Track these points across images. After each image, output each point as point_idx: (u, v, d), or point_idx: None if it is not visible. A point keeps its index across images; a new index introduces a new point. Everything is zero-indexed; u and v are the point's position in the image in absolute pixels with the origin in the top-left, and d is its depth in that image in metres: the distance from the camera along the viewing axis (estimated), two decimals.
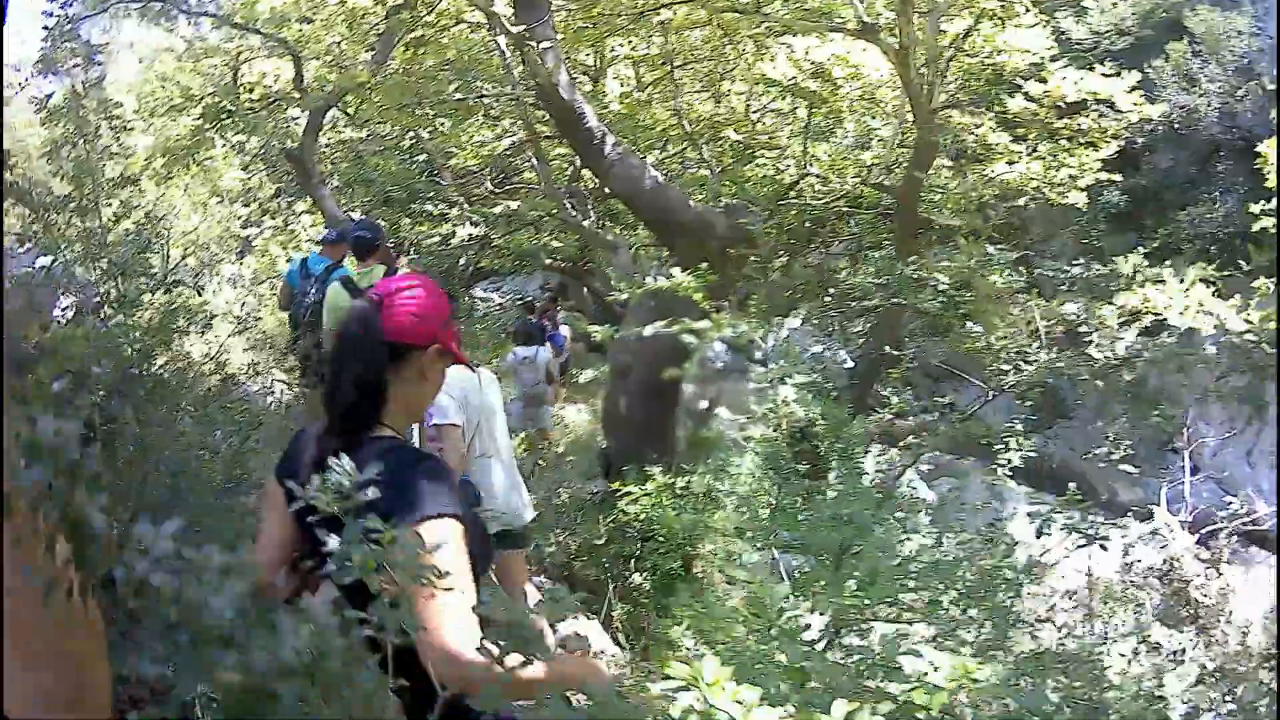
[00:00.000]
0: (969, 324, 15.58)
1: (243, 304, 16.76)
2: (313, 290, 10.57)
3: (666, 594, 9.42)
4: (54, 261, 8.00)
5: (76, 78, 8.37)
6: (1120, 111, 14.20)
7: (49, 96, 8.81)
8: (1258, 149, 10.97)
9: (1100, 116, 14.70)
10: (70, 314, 7.66)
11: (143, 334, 8.53)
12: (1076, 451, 18.73)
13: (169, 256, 17.07)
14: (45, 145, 9.21)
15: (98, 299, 8.01)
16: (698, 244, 11.05)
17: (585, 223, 18.01)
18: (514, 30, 10.43)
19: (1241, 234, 17.93)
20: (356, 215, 20.30)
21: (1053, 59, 14.07)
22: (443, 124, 18.73)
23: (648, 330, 8.60)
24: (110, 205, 8.77)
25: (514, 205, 20.38)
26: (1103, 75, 13.75)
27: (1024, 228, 22.57)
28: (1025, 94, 14.15)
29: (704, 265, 10.57)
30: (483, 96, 17.55)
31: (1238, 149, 20.09)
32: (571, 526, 11.21)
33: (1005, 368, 9.31)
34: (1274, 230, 7.22)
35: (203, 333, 9.48)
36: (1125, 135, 15.36)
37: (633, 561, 9.67)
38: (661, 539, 9.48)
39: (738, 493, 9.74)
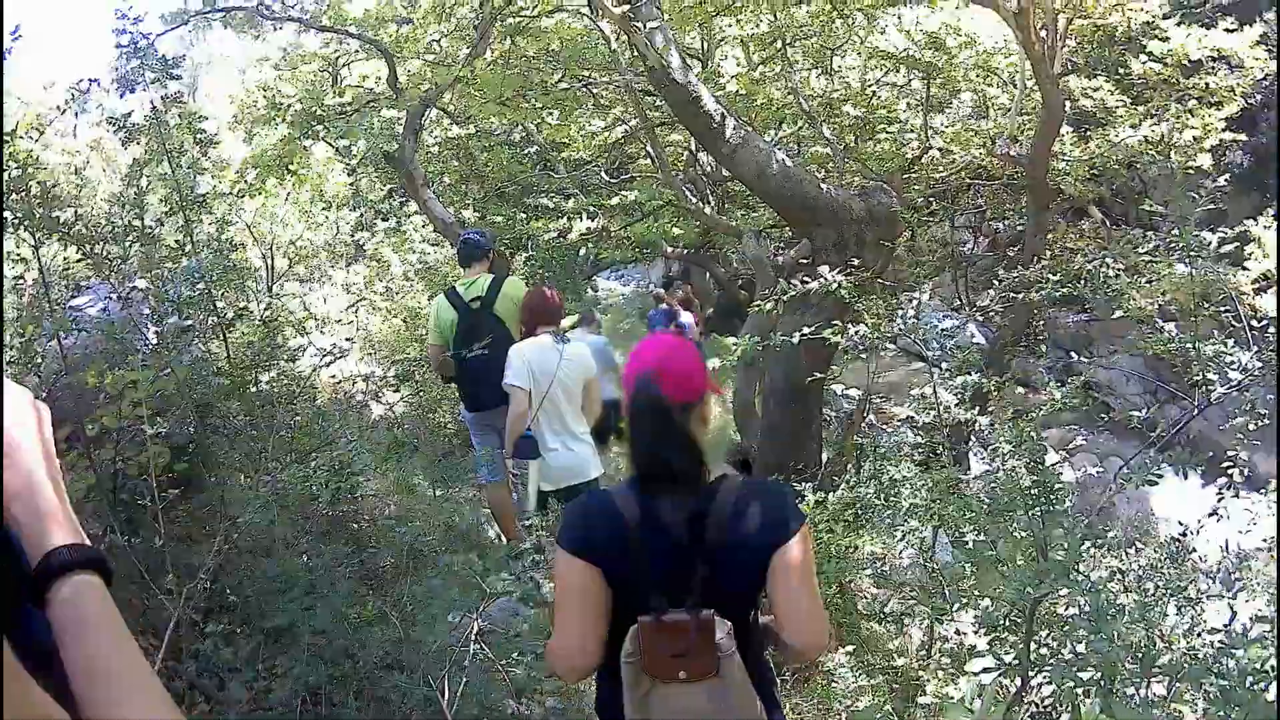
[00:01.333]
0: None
1: (354, 309, 16.09)
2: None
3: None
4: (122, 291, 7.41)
5: (155, 94, 7.71)
6: (1245, 68, 13.53)
7: (128, 115, 8.14)
8: None
9: (1225, 74, 14.00)
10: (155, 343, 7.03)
11: (236, 356, 7.94)
12: (1212, 421, 17.57)
13: (274, 267, 16.62)
14: (127, 167, 8.59)
15: (189, 321, 7.35)
16: (834, 229, 10.08)
17: (706, 209, 17.11)
18: (617, 11, 9.45)
19: None
20: (468, 214, 19.61)
21: (1164, 17, 13.37)
22: (550, 115, 17.95)
23: (795, 338, 7.61)
24: (200, 223, 8.15)
25: (631, 195, 19.45)
26: (1225, 30, 13.04)
27: (1144, 192, 21.63)
28: (1149, 54, 13.32)
29: (845, 253, 9.83)
30: (590, 85, 16.80)
31: None
32: None
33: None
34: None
35: (308, 347, 8.84)
36: (1251, 91, 14.65)
37: None
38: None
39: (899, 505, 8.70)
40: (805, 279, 8.59)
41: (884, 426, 14.92)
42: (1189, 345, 7.85)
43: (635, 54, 10.37)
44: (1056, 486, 5.87)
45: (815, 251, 10.41)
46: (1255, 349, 8.11)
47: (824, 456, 11.19)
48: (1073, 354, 20.56)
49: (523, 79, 15.44)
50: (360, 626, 5.50)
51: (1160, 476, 6.28)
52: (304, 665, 5.13)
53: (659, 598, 3.45)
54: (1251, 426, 7.65)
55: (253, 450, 6.75)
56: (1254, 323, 8.80)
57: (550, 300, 8.57)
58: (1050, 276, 9.42)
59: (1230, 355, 7.92)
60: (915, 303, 9.02)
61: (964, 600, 7.20)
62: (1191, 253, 9.11)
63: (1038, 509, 5.88)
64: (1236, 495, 7.54)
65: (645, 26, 9.53)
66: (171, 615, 5.15)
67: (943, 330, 8.54)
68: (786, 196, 10.17)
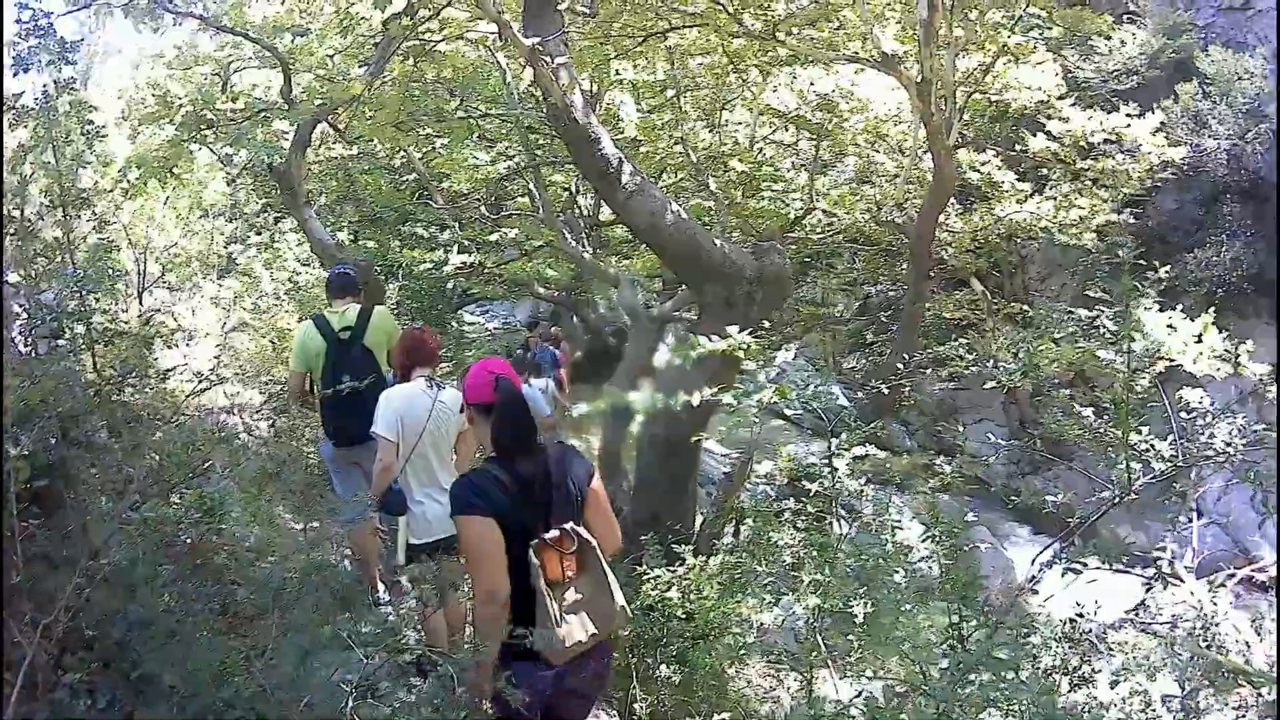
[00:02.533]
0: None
1: (223, 324, 15.53)
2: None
3: (691, 689, 8.15)
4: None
5: (49, 77, 7.27)
6: (1139, 153, 13.90)
7: (19, 96, 7.67)
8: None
9: (1120, 158, 14.27)
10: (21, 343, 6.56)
11: (106, 365, 7.52)
12: (1079, 494, 17.68)
13: (144, 273, 16.00)
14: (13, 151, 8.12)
15: (61, 332, 6.89)
16: (725, 286, 9.81)
17: (585, 253, 16.86)
18: (528, 43, 9.12)
19: (1248, 278, 17.82)
20: (343, 236, 19.19)
21: (1059, 98, 13.73)
22: (439, 144, 17.63)
23: (695, 398, 7.39)
24: (78, 219, 7.68)
25: (510, 233, 19.14)
26: (1127, 115, 13.46)
27: (1022, 266, 21.79)
28: (1047, 133, 13.70)
29: (734, 310, 9.61)
30: (482, 116, 16.49)
31: (1244, 191, 19.10)
32: None
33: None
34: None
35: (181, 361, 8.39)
36: (1145, 177, 14.77)
37: (657, 650, 8.27)
38: (689, 628, 8.14)
39: (772, 571, 8.42)
40: (690, 332, 8.39)
41: (746, 485, 14.78)
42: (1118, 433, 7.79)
43: (531, 89, 10.02)
44: (974, 578, 6.18)
45: (703, 308, 10.15)
46: (1174, 438, 8.24)
47: (697, 514, 10.89)
48: (940, 424, 20.66)
49: (417, 103, 15.10)
50: (223, 678, 5.09)
51: (1084, 566, 6.72)
52: None
53: (541, 526, 5.01)
54: (1182, 519, 8.38)
55: (116, 476, 6.28)
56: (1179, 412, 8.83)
57: (426, 342, 8.14)
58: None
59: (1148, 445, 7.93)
60: (779, 361, 8.89)
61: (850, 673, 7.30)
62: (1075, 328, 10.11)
63: (955, 599, 6.16)
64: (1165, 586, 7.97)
65: (553, 61, 9.29)
66: (28, 651, 4.70)
67: (813, 392, 8.44)
68: (679, 249, 9.87)
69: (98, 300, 7.57)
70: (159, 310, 14.67)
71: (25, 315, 6.77)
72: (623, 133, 15.75)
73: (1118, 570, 8.45)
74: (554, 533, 5.02)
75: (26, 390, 5.73)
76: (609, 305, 23.57)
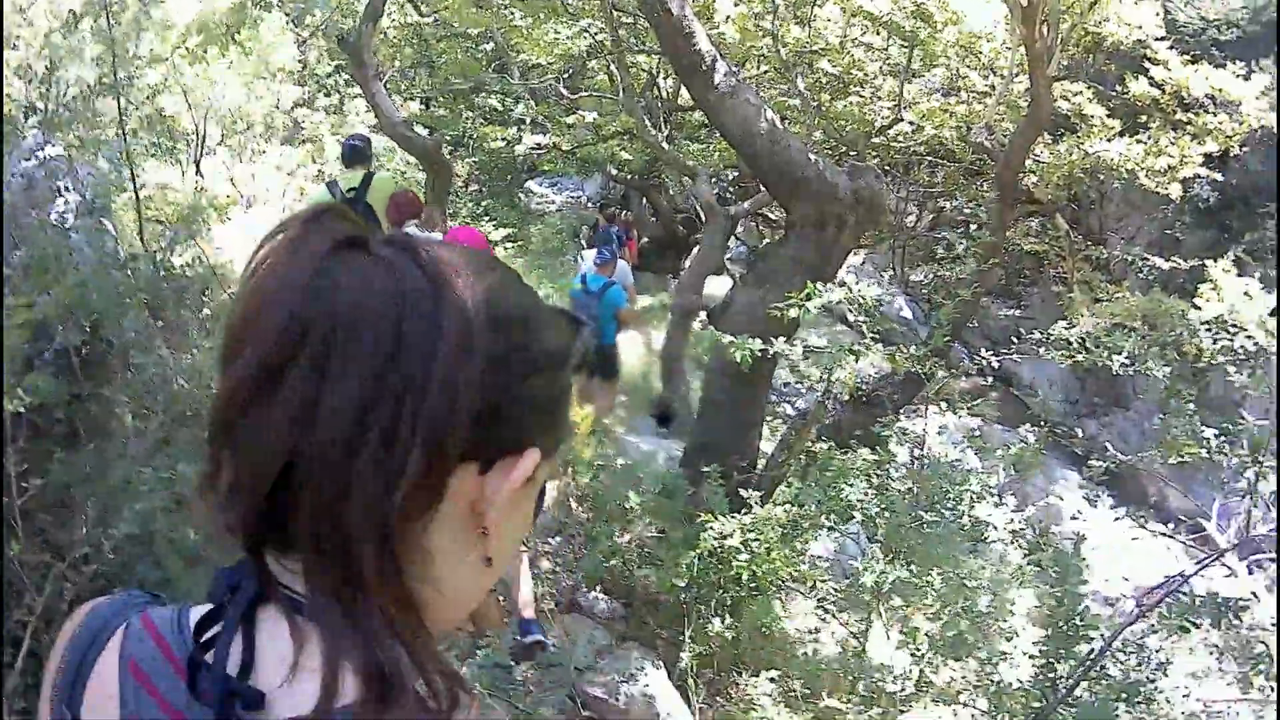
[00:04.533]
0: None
1: (284, 193, 14.98)
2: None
3: (739, 642, 7.80)
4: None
5: None
6: (1242, 114, 13.16)
7: None
8: None
9: (1219, 115, 13.60)
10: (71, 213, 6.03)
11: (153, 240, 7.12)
12: (1130, 445, 17.10)
13: (204, 137, 15.43)
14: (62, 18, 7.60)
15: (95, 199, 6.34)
16: (815, 206, 9.10)
17: (663, 142, 16.18)
18: None
19: None
20: (414, 106, 18.57)
21: (1158, 39, 13.06)
22: (519, 19, 16.97)
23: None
24: (133, 86, 7.17)
25: (589, 116, 18.49)
26: (1234, 75, 12.77)
27: (1101, 202, 21.03)
28: (1150, 78, 13.16)
29: (824, 232, 9.04)
30: None
31: None
32: (642, 552, 9.18)
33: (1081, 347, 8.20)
34: None
35: None
36: (1242, 138, 14.10)
37: (712, 600, 7.76)
38: (746, 578, 7.63)
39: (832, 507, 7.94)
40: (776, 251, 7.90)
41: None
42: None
43: None
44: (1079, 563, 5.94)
45: (790, 225, 9.47)
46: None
47: (760, 448, 10.30)
48: (999, 351, 20.13)
49: None
50: None
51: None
52: None
53: None
54: (1173, 461, 7.37)
55: (149, 382, 5.72)
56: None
57: (415, 200, 9.72)
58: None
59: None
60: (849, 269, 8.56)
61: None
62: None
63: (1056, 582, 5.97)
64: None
65: None
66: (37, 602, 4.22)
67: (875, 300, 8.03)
68: (770, 161, 9.12)
69: (143, 171, 7.10)
70: (216, 172, 14.23)
71: (68, 191, 6.27)
72: (716, 26, 14.99)
73: (1161, 534, 8.40)
74: None
75: (52, 284, 5.21)
76: (681, 194, 23.12)
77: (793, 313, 7.48)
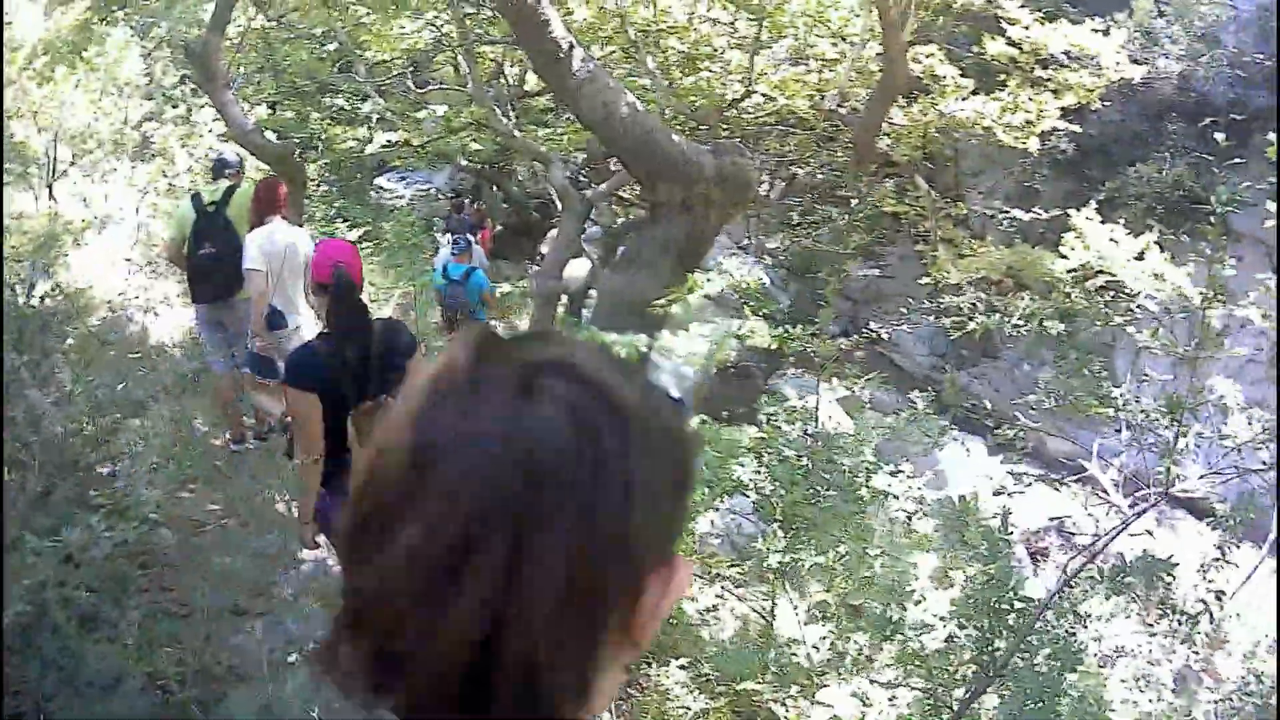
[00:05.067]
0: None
1: (137, 210, 14.57)
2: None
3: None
4: None
5: None
6: (1100, 69, 13.53)
7: None
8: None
9: (1077, 70, 13.83)
10: None
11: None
12: (1002, 394, 17.34)
13: (55, 160, 14.96)
14: None
15: None
16: (682, 186, 8.96)
17: (516, 131, 16.03)
18: None
19: (1190, 198, 17.06)
20: (260, 110, 18.23)
21: None
22: (364, 14, 16.66)
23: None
24: None
25: (440, 110, 18.23)
26: (1093, 30, 13.11)
27: (955, 159, 21.16)
28: (1008, 38, 13.25)
29: (691, 213, 8.90)
30: None
31: (1190, 113, 18.62)
32: None
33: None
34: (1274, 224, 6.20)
35: None
36: (1102, 92, 14.29)
37: None
38: None
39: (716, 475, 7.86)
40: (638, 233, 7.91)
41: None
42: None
43: None
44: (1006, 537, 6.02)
45: (656, 207, 9.34)
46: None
47: None
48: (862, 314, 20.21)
49: None
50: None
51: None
52: None
53: (357, 396, 5.56)
54: (1048, 405, 7.75)
55: (19, 430, 5.45)
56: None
57: (277, 189, 9.41)
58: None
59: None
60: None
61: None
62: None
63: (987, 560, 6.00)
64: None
65: None
66: None
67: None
68: (634, 144, 9.04)
69: None
70: (71, 194, 13.85)
71: None
72: (569, 11, 14.81)
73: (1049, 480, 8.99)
74: (367, 404, 5.68)
75: None
76: (532, 180, 23.06)
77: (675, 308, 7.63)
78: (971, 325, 8.52)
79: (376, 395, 5.66)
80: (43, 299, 7.04)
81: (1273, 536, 10.31)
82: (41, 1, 14.91)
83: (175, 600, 6.49)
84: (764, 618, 7.38)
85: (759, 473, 7.30)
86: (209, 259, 9.24)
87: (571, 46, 8.82)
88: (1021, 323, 9.11)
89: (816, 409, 7.79)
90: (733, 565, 8.23)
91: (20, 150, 11.34)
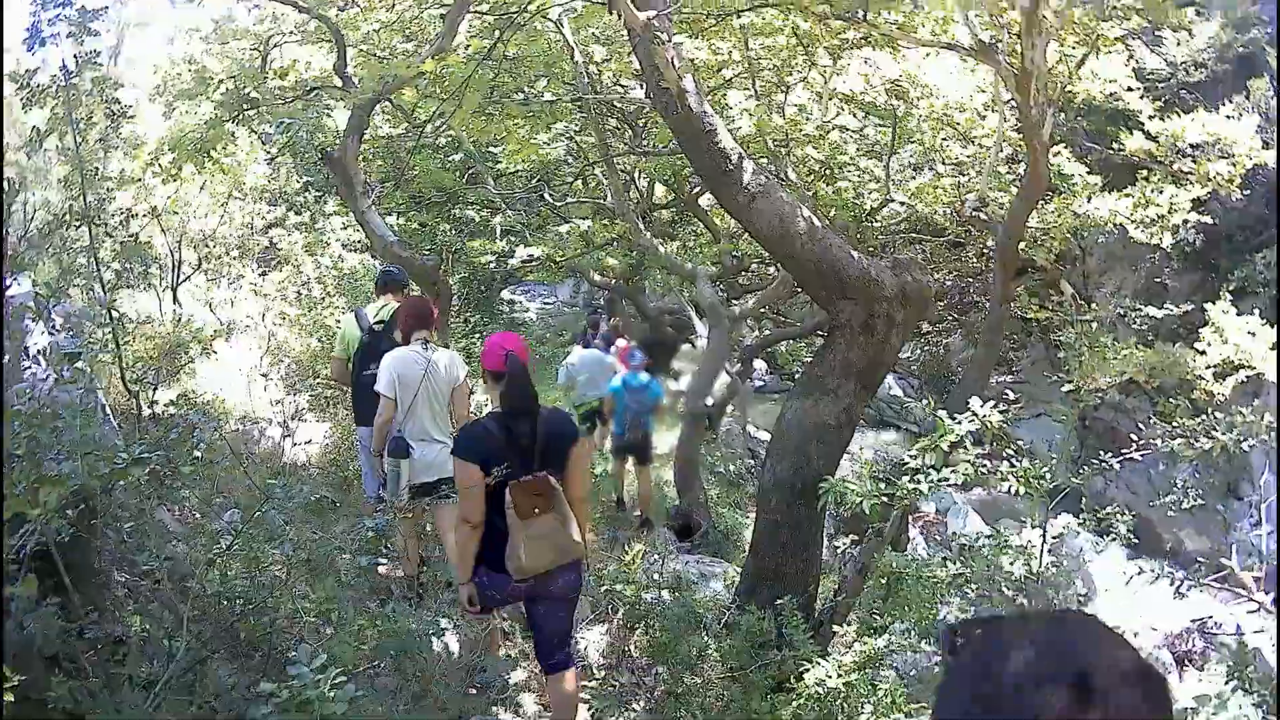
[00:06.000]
0: None
1: (263, 317, 13.90)
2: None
3: None
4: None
5: (69, 50, 5.82)
6: (1235, 155, 12.68)
7: (33, 72, 6.23)
8: None
9: (1212, 159, 12.95)
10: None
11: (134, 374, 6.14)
12: (1139, 495, 16.44)
13: (179, 264, 14.39)
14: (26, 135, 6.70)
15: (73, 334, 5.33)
16: (863, 306, 8.14)
17: (660, 247, 15.43)
18: (642, 18, 7.52)
19: None
20: (392, 220, 17.66)
21: (1128, 89, 13.01)
22: (519, 127, 16.05)
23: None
24: (107, 209, 6.25)
25: (583, 224, 17.59)
26: (1226, 118, 12.68)
27: (1084, 258, 20.33)
28: (1145, 132, 12.66)
29: (873, 334, 8.27)
30: (555, 100, 15.00)
31: None
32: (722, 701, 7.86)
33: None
34: None
35: None
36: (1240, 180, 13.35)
37: None
38: None
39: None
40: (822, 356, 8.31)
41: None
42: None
43: (645, 69, 8.32)
44: None
45: (835, 329, 8.43)
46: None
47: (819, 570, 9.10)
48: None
49: (495, 84, 13.67)
50: None
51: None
52: None
53: (519, 472, 6.03)
54: (1185, 505, 7.72)
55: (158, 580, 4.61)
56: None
57: (425, 307, 9.12)
58: None
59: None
60: None
61: None
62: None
63: None
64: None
65: (667, 39, 7.80)
66: None
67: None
68: (812, 262, 8.15)
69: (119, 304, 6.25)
70: (196, 299, 13.31)
71: (42, 331, 5.23)
72: (731, 121, 14.06)
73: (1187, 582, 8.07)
74: (528, 478, 6.06)
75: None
76: (667, 293, 22.72)
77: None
78: (1207, 444, 7.83)
79: (537, 473, 6.11)
80: (166, 408, 6.54)
81: (1272, 567, 9.82)
82: (159, 103, 14.49)
83: None
84: None
85: (963, 610, 6.40)
86: (373, 379, 8.81)
87: (741, 157, 8.10)
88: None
89: (1043, 546, 6.82)
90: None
91: (145, 251, 10.68)
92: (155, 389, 7.02)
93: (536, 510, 6.11)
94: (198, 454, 5.68)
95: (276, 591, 5.52)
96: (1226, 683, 5.55)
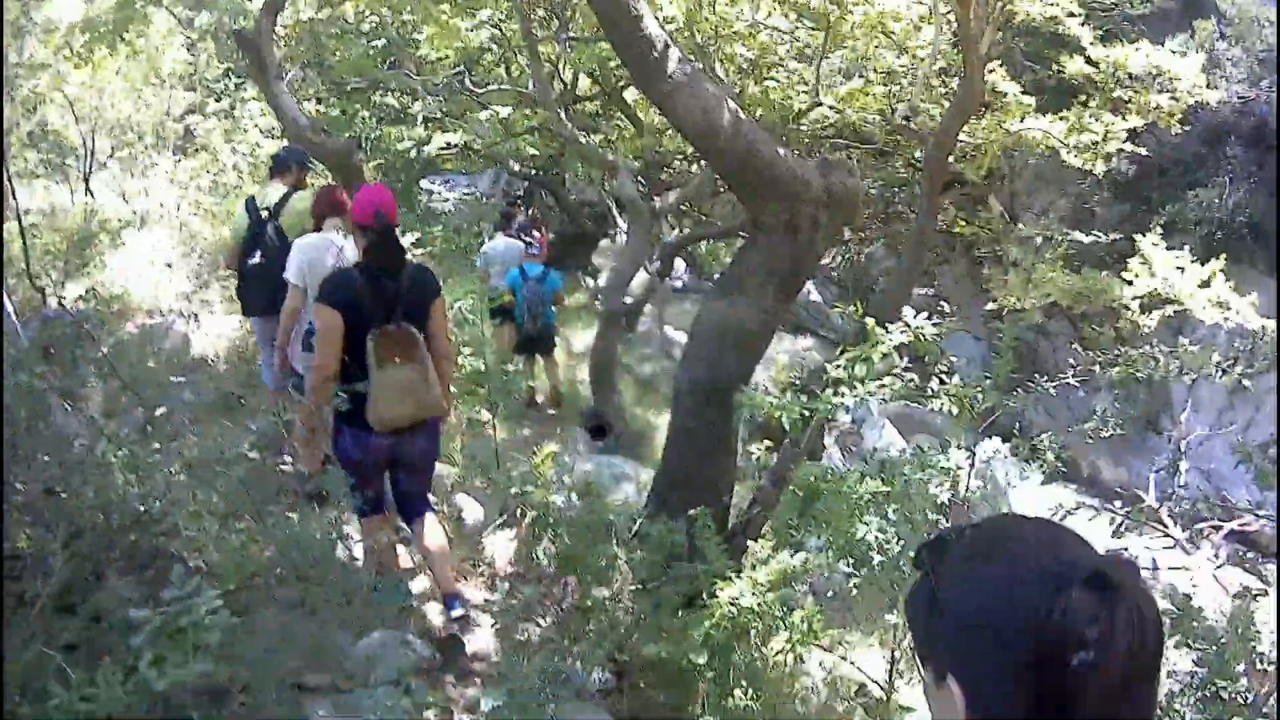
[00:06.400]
0: None
1: (178, 206, 13.60)
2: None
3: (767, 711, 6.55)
4: None
5: None
6: (1177, 92, 13.23)
7: None
8: None
9: (1151, 91, 13.46)
10: None
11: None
12: (1057, 420, 16.52)
13: (92, 152, 14.01)
14: None
15: None
16: (788, 206, 7.87)
17: (581, 137, 15.17)
18: None
19: (1250, 224, 16.92)
20: (309, 106, 17.28)
21: (1069, 15, 12.85)
22: (439, 11, 15.72)
23: None
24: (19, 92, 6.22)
25: (504, 112, 17.30)
26: (1172, 51, 13.11)
27: (1012, 178, 20.28)
28: (1087, 58, 12.98)
29: (796, 234, 8.00)
30: None
31: (1249, 137, 18.11)
32: (634, 616, 7.63)
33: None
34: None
35: None
36: (1183, 114, 13.89)
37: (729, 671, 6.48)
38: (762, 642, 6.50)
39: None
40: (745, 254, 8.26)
41: None
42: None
43: None
44: None
45: (758, 227, 8.24)
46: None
47: (734, 478, 9.01)
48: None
49: None
50: None
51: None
52: None
53: (382, 321, 6.35)
54: (1105, 434, 7.49)
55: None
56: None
57: (337, 194, 8.69)
58: None
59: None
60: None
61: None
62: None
63: None
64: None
65: None
66: None
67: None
68: (738, 158, 7.87)
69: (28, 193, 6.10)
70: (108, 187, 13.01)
71: None
72: (660, 9, 13.81)
73: (1101, 507, 8.22)
74: (391, 326, 6.35)
75: None
76: (588, 187, 22.50)
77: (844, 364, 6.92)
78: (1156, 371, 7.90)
79: (398, 325, 6.40)
80: (75, 303, 6.37)
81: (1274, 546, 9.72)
82: None
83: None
84: (880, 686, 6.62)
85: (884, 531, 6.25)
86: (259, 268, 8.91)
87: (666, 45, 7.71)
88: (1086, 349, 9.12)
89: (970, 470, 6.74)
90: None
91: (56, 139, 10.37)
92: (63, 284, 6.82)
93: (397, 360, 6.39)
94: (104, 350, 5.48)
95: (172, 497, 5.19)
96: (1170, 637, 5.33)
